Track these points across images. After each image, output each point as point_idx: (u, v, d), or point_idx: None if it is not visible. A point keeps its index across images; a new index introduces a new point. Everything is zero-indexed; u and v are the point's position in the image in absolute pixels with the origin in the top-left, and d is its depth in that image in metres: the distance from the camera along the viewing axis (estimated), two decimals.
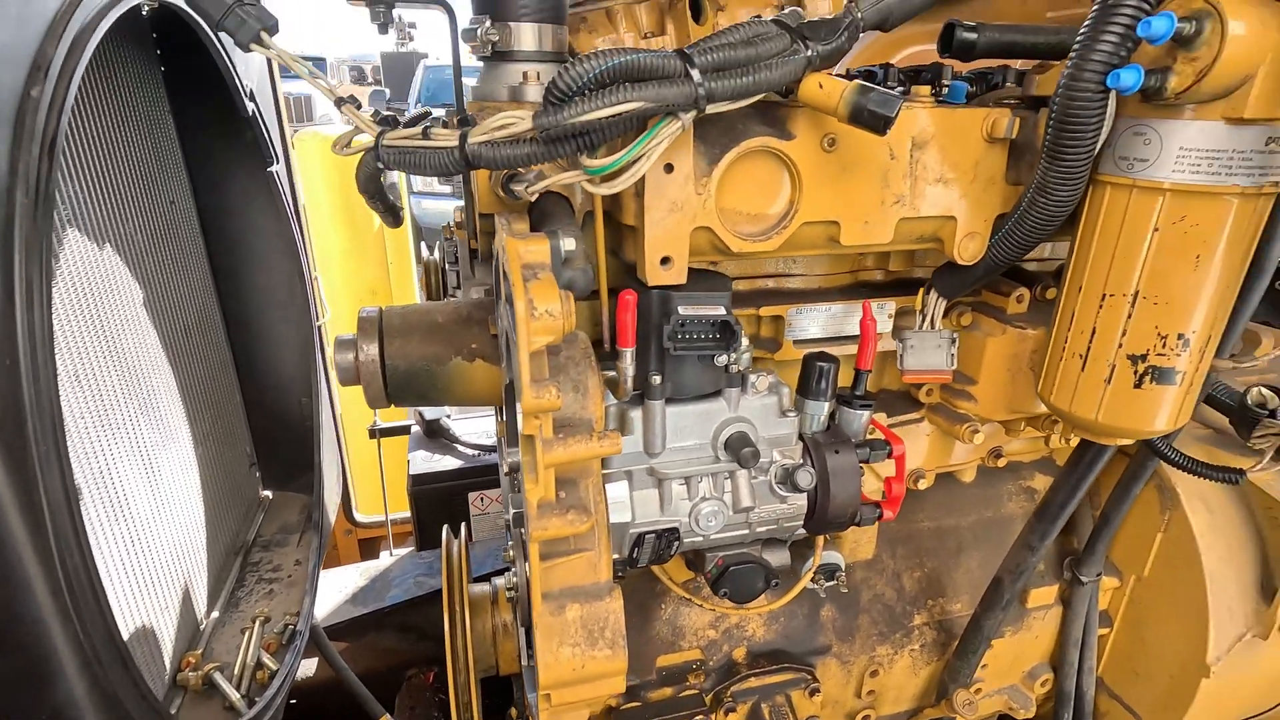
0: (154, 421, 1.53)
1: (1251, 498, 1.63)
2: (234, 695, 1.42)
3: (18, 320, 0.84)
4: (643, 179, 0.99)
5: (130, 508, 1.39)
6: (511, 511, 1.12)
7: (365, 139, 0.95)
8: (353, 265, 5.48)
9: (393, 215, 1.24)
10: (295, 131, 5.25)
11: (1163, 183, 0.97)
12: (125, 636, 1.31)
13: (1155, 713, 1.74)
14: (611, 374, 1.09)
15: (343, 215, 5.45)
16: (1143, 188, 0.99)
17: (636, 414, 1.10)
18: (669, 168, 0.98)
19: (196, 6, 0.89)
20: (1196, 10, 0.86)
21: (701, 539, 1.18)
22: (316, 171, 5.41)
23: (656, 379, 1.07)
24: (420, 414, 2.78)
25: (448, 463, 2.60)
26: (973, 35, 1.18)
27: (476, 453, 2.66)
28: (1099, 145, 0.98)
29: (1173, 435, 1.40)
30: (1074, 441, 1.52)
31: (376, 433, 2.93)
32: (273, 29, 0.93)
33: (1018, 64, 1.36)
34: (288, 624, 1.65)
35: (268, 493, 2.19)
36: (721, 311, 1.04)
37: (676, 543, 1.16)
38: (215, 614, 1.69)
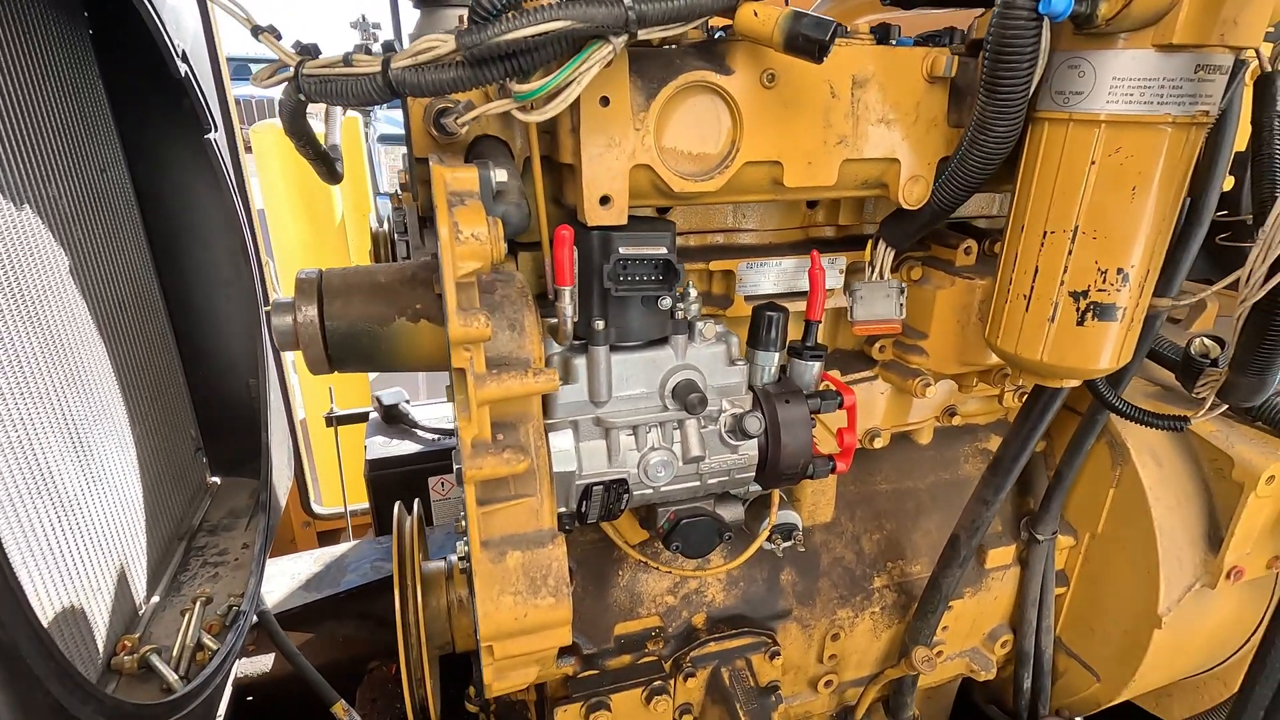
0: (83, 395, 1.46)
1: (1198, 451, 1.65)
2: (170, 676, 1.35)
3: None
4: (579, 114, 0.97)
5: (56, 482, 1.32)
6: (455, 466, 1.09)
7: (287, 73, 0.91)
8: (313, 259, 5.36)
9: (326, 166, 1.20)
10: (252, 125, 5.13)
11: (1098, 114, 0.98)
12: (50, 615, 1.25)
13: (1111, 668, 1.76)
14: (553, 320, 1.06)
15: (303, 209, 5.33)
16: (1079, 121, 1.00)
17: (580, 361, 1.07)
18: (605, 101, 0.95)
19: None
20: None
21: (652, 491, 1.16)
22: (275, 165, 5.29)
23: (600, 324, 1.04)
24: (378, 399, 2.72)
25: (406, 447, 2.54)
26: None
27: (436, 437, 2.61)
28: (1035, 78, 0.98)
29: (1121, 385, 1.42)
30: None
31: (333, 420, 2.85)
32: None
33: (963, 27, 1.37)
34: (232, 605, 1.59)
35: (215, 479, 2.12)
36: (663, 251, 1.01)
37: (626, 495, 1.13)
38: (155, 598, 1.62)
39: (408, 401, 2.75)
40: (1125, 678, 1.73)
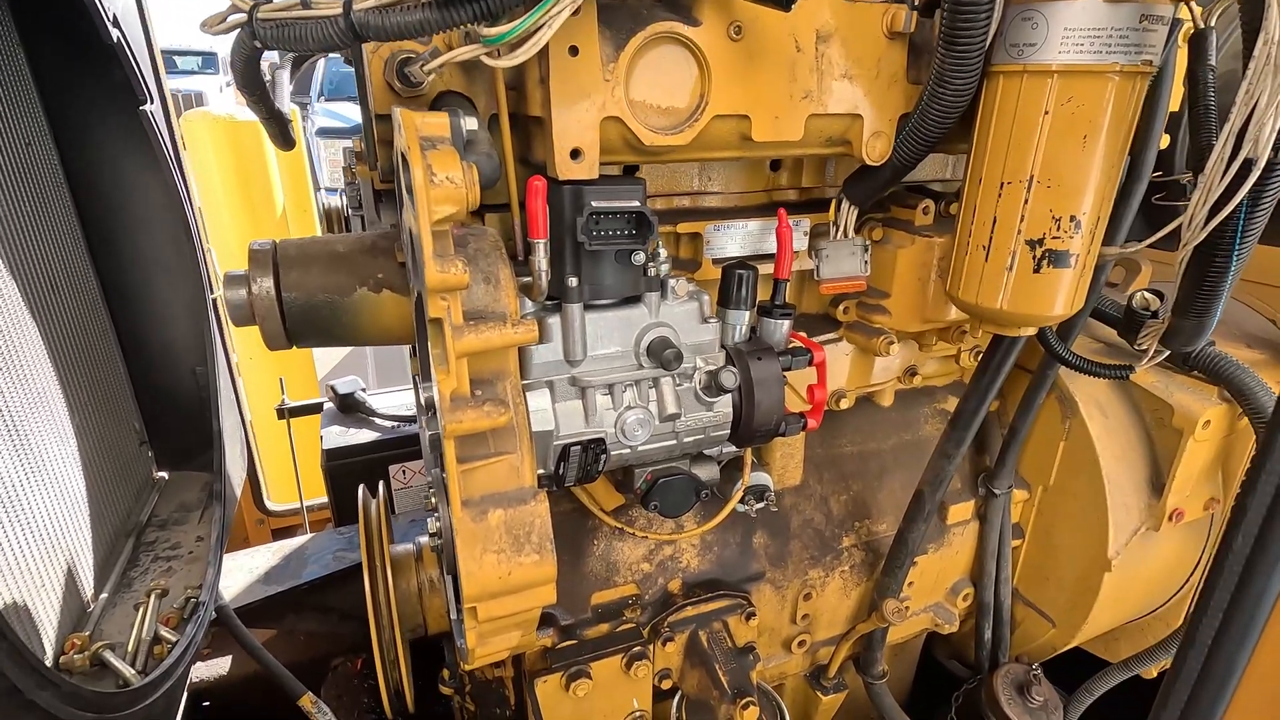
0: (17, 381, 1.37)
1: (1140, 401, 1.74)
2: (126, 670, 1.29)
3: None
4: (547, 64, 0.95)
5: None
6: (427, 434, 1.06)
7: (240, 17, 0.86)
8: None
9: (279, 127, 1.15)
10: (183, 114, 4.89)
11: (1050, 64, 1.01)
12: None
13: (1065, 613, 1.85)
14: (526, 279, 1.05)
15: (242, 202, 5.11)
16: (1033, 72, 1.04)
17: (555, 320, 1.06)
18: (574, 50, 0.94)
19: None
20: None
21: (629, 450, 1.15)
22: (210, 158, 5.04)
23: (573, 280, 1.03)
24: (333, 388, 2.64)
25: (364, 436, 2.47)
26: None
27: (395, 424, 2.55)
28: (991, 30, 1.01)
29: (1069, 339, 1.48)
30: None
31: (285, 412, 2.75)
32: None
33: None
34: (189, 596, 1.52)
35: (163, 474, 2.02)
36: (636, 204, 1.01)
37: (604, 455, 1.13)
38: (104, 595, 1.54)
39: (363, 390, 2.67)
40: (1078, 622, 1.81)
